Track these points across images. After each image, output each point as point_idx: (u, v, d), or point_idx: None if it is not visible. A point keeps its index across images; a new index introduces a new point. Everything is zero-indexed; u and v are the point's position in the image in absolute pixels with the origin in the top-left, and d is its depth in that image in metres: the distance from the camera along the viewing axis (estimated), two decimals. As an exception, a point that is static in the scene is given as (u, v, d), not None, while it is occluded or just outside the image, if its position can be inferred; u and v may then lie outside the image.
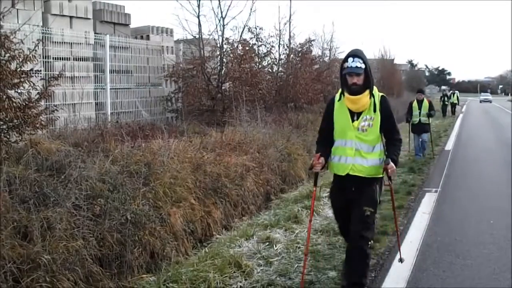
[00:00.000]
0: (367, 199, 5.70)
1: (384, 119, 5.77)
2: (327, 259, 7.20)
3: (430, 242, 7.91)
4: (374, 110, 5.72)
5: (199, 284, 6.08)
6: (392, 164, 5.66)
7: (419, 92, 18.02)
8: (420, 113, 17.00)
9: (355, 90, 5.65)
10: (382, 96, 5.87)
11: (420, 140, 17.23)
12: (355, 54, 5.65)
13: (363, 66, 5.60)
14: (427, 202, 10.44)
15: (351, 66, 5.59)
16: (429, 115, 16.96)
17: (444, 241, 7.96)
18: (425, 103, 17.10)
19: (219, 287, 6.10)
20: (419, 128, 17.13)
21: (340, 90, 5.91)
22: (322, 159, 5.76)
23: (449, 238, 8.10)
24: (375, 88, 5.84)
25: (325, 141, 6.01)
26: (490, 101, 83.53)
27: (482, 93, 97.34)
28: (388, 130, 5.88)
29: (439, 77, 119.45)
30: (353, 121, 5.73)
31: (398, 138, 5.94)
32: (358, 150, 5.73)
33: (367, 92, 5.69)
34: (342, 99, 5.83)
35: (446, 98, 41.68)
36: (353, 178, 5.75)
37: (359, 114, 5.74)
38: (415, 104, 17.22)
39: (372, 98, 5.74)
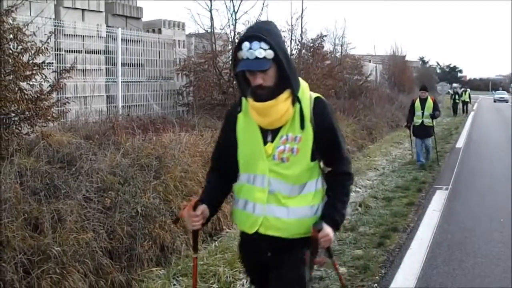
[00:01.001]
0: (288, 279, 3.45)
1: (320, 138, 3.38)
2: (337, 255, 7.17)
3: (441, 239, 7.88)
4: (302, 125, 3.34)
5: (209, 278, 6.08)
6: (327, 230, 3.35)
7: (423, 89, 15.43)
8: (423, 113, 14.75)
9: (262, 96, 3.29)
10: (316, 99, 3.45)
11: (423, 145, 15.06)
12: (253, 35, 3.23)
13: (269, 53, 3.21)
14: (438, 200, 10.40)
15: (248, 58, 3.24)
16: (432, 116, 14.73)
17: (455, 238, 7.93)
18: (429, 102, 14.84)
19: (229, 281, 6.10)
20: (422, 131, 14.86)
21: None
22: (202, 209, 3.48)
23: (460, 236, 8.07)
24: (303, 86, 3.46)
25: (219, 177, 3.70)
26: (506, 101, 72.27)
27: (497, 91, 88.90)
28: (329, 156, 3.52)
29: (451, 74, 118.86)
30: (265, 144, 3.39)
31: (347, 171, 3.57)
32: (273, 193, 3.39)
33: (286, 95, 3.31)
34: (247, 109, 3.46)
35: (457, 96, 40.11)
36: (267, 239, 3.45)
37: (275, 132, 3.38)
38: (417, 103, 14.95)
39: (298, 105, 3.36)
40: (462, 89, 45.66)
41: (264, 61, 3.21)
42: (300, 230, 3.41)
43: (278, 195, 3.38)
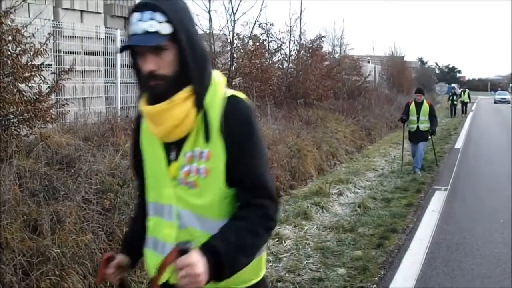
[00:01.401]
0: None
1: (234, 154, 2.33)
2: (336, 256, 7.19)
3: (440, 240, 7.89)
4: (207, 137, 2.33)
5: None
6: (193, 260, 2.10)
7: (418, 92, 14.51)
8: (418, 118, 13.87)
9: (156, 89, 2.33)
10: (230, 98, 2.44)
11: (419, 149, 13.94)
12: (146, 3, 2.30)
13: (165, 28, 2.25)
14: (437, 200, 10.41)
15: (136, 34, 2.32)
16: (431, 132, 14.04)
17: (454, 239, 7.94)
18: (425, 106, 13.94)
19: (228, 283, 6.09)
20: (418, 137, 13.97)
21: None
22: (117, 262, 2.65)
23: (459, 236, 8.08)
24: (216, 82, 2.47)
25: (142, 206, 2.67)
26: (508, 102, 66.78)
27: (498, 92, 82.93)
28: (240, 181, 2.35)
29: (449, 75, 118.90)
30: (169, 163, 2.42)
31: (263, 203, 2.35)
32: (185, 229, 2.40)
33: (185, 93, 2.31)
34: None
35: (455, 97, 38.64)
36: None
37: (179, 147, 2.38)
38: (412, 107, 14.01)
39: (202, 110, 2.34)
40: (461, 89, 44.41)
41: (156, 36, 2.25)
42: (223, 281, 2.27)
43: (191, 231, 2.37)
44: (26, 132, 7.68)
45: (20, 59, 7.36)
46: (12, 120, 7.48)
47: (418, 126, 13.92)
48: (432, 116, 13.96)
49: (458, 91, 43.21)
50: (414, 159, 14.17)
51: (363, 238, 7.99)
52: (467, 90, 42.65)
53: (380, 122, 23.20)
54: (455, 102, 38.45)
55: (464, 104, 40.44)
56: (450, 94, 39.95)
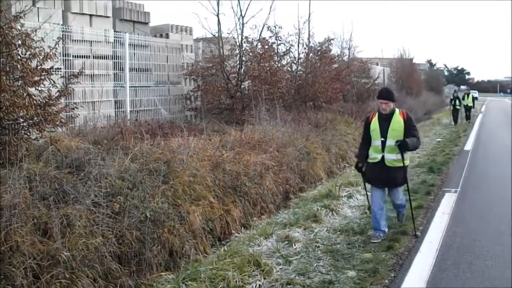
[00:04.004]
0: None
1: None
2: (347, 258, 7.18)
3: (450, 242, 7.85)
4: None
5: (218, 282, 6.08)
6: None
7: (383, 97, 8.20)
8: (384, 143, 8.07)
9: None
10: None
11: (391, 200, 8.69)
12: None
13: None
14: (447, 203, 10.35)
15: None
16: (402, 147, 7.94)
17: (464, 241, 7.89)
18: (396, 120, 8.11)
19: (238, 285, 6.10)
20: (383, 175, 8.16)
21: None
22: None
23: (469, 239, 8.03)
24: None
25: None
26: None
27: None
28: None
29: (458, 76, 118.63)
30: None
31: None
32: None
33: None
34: None
35: (457, 102, 32.02)
36: None
37: None
38: (374, 124, 8.24)
39: None
40: (464, 91, 36.73)
41: None
42: None
43: None
44: (36, 135, 7.72)
45: (29, 63, 7.40)
46: (22, 124, 7.51)
47: (383, 158, 8.11)
48: (409, 134, 8.05)
49: (461, 94, 35.62)
50: (376, 218, 8.24)
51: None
52: (472, 93, 36.14)
53: (389, 125, 23.09)
54: (457, 107, 32.15)
55: (468, 109, 34.00)
56: (452, 98, 33.10)
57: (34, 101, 7.41)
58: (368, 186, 8.79)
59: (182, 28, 17.03)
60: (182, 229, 7.28)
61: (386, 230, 8.28)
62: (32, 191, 6.26)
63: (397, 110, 8.23)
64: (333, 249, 7.56)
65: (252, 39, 16.76)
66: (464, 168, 14.62)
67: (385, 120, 8.13)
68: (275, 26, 18.27)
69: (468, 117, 34.16)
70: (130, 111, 13.08)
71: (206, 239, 7.77)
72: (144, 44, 14.28)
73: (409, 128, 8.11)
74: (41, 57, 7.60)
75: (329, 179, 12.97)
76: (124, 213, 6.64)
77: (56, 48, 8.00)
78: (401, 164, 8.12)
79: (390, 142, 8.03)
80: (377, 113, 8.31)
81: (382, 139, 8.09)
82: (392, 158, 8.10)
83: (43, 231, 5.80)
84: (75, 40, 11.78)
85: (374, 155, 8.24)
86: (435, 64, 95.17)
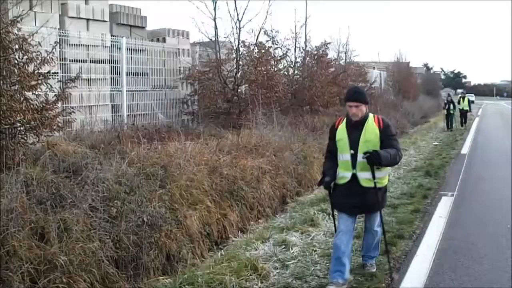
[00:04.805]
0: None
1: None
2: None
3: (447, 246, 7.85)
4: None
5: (215, 286, 6.07)
6: None
7: (352, 99, 6.25)
8: (355, 158, 6.19)
9: None
10: None
11: (365, 226, 6.96)
12: None
13: None
14: (444, 206, 10.36)
15: None
16: (372, 161, 5.99)
17: (461, 245, 7.90)
18: (370, 128, 6.26)
19: (235, 289, 6.10)
20: (357, 199, 6.25)
21: None
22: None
23: (466, 242, 8.04)
24: None
25: None
26: None
27: None
28: None
29: (455, 80, 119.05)
30: None
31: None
32: None
33: None
34: None
35: (451, 106, 30.28)
36: None
37: None
38: (341, 131, 6.39)
39: None
40: (460, 95, 35.80)
41: None
42: None
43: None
44: (33, 140, 7.73)
45: (26, 68, 7.41)
46: (19, 128, 7.52)
47: (354, 176, 6.24)
48: (388, 144, 6.19)
49: (455, 98, 34.31)
50: (338, 258, 6.20)
51: (370, 245, 7.97)
52: (467, 96, 34.88)
53: (386, 128, 23.10)
54: (451, 112, 30.38)
55: (463, 113, 32.60)
56: (445, 102, 31.31)
57: (31, 106, 7.41)
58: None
59: (179, 32, 17.04)
60: (179, 233, 7.28)
61: (349, 276, 6.22)
62: (29, 195, 6.26)
63: (371, 115, 6.34)
64: (330, 253, 7.53)
65: (249, 43, 16.82)
66: (461, 172, 14.63)
67: (356, 128, 6.21)
68: (272, 30, 18.36)
69: (463, 122, 32.55)
70: (127, 115, 13.09)
71: (203, 243, 7.77)
72: (141, 48, 14.30)
73: (387, 138, 6.21)
74: (38, 62, 7.61)
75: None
76: (121, 217, 6.64)
77: (53, 53, 8.02)
78: (381, 185, 6.31)
79: (361, 159, 6.14)
80: (345, 119, 6.41)
81: (352, 151, 6.18)
82: (366, 177, 6.17)
83: (40, 235, 5.80)
84: (72, 45, 11.79)
85: (342, 174, 6.29)
86: (431, 68, 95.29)
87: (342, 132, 6.32)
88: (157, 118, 14.05)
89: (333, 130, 6.50)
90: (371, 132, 6.18)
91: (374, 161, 5.96)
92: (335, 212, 6.83)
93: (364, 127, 6.21)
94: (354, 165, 6.18)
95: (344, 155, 6.27)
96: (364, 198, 6.21)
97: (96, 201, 6.63)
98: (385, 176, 6.48)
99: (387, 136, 6.22)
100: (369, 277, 6.59)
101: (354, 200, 6.21)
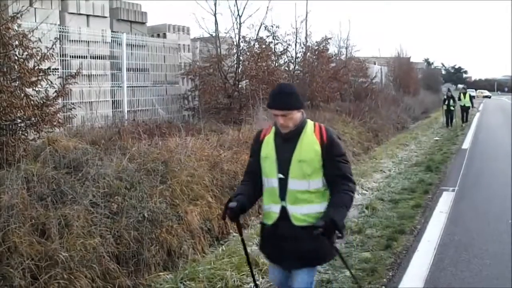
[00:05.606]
0: None
1: None
2: (344, 257, 7.16)
3: (448, 241, 7.86)
4: None
5: (216, 282, 6.08)
6: None
7: (277, 106, 4.19)
8: (285, 184, 4.20)
9: None
10: None
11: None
12: None
13: None
14: (445, 201, 10.36)
15: None
16: (326, 232, 3.97)
17: (462, 240, 7.91)
18: (306, 143, 4.21)
19: (236, 285, 6.11)
20: (289, 243, 4.20)
21: None
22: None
23: (467, 237, 8.05)
24: None
25: None
26: None
27: None
28: None
29: (456, 75, 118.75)
30: None
31: None
32: None
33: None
34: None
35: (451, 102, 28.35)
36: None
37: None
38: (268, 144, 4.35)
39: None
40: (461, 90, 32.47)
41: None
42: None
43: None
44: (34, 136, 7.71)
45: (27, 64, 7.39)
46: (19, 125, 7.51)
47: (284, 212, 4.23)
48: (333, 173, 4.21)
49: (456, 93, 32.08)
50: None
51: (371, 240, 7.97)
52: (468, 91, 32.22)
53: (386, 124, 23.14)
54: (451, 108, 28.57)
55: (464, 110, 30.16)
56: (445, 97, 29.46)
57: (32, 102, 7.40)
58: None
59: (179, 28, 17.00)
60: (180, 229, 7.28)
61: None
62: (30, 191, 6.26)
63: (309, 123, 4.33)
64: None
65: (250, 38, 16.76)
66: (462, 167, 14.63)
67: (287, 142, 4.26)
68: (272, 26, 18.28)
69: (465, 119, 30.28)
70: (127, 111, 13.07)
71: (204, 239, 7.76)
72: (142, 44, 14.27)
73: (332, 160, 4.19)
74: (38, 58, 7.59)
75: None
76: (122, 213, 6.64)
77: (53, 49, 8.00)
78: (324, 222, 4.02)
79: (296, 183, 4.20)
80: (273, 128, 4.41)
81: (281, 175, 4.22)
82: (301, 211, 4.18)
83: (41, 231, 5.80)
84: (72, 41, 11.77)
85: (268, 208, 4.36)
86: (432, 63, 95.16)
87: (268, 147, 4.36)
88: (157, 114, 14.02)
89: (256, 143, 4.51)
90: (308, 149, 4.19)
91: (332, 232, 4.03)
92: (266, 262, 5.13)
93: (298, 141, 4.23)
94: (283, 195, 4.21)
95: (270, 180, 4.30)
96: (297, 242, 4.16)
97: (97, 197, 6.64)
98: (317, 209, 4.23)
99: (332, 157, 4.19)
100: (370, 272, 6.60)
101: (285, 244, 4.23)
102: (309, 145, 4.17)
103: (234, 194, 4.44)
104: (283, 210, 4.19)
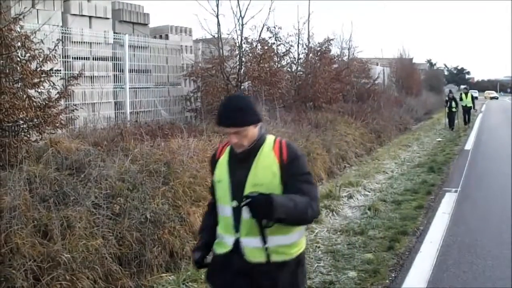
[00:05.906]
0: None
1: None
2: (347, 259, 7.18)
3: (451, 242, 7.85)
4: None
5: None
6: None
7: (227, 123, 3.49)
8: (238, 214, 3.42)
9: None
10: None
11: None
12: None
13: None
14: (447, 202, 10.36)
15: None
16: (254, 207, 3.16)
17: (465, 241, 7.90)
18: (263, 162, 3.47)
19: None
20: (242, 281, 3.45)
21: None
22: None
23: (470, 238, 8.04)
24: None
25: None
26: None
27: None
28: None
29: (458, 76, 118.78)
30: None
31: None
32: None
33: None
34: None
35: (453, 103, 27.87)
36: None
37: None
38: (222, 166, 3.65)
39: None
40: (463, 91, 32.51)
41: None
42: None
43: None
44: (36, 137, 7.72)
45: (29, 65, 7.40)
46: (22, 126, 7.51)
47: (238, 245, 3.46)
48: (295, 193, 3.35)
49: (458, 94, 31.83)
50: None
51: (373, 241, 7.97)
52: (470, 92, 31.44)
53: (389, 125, 23.12)
54: (453, 110, 27.98)
55: (466, 110, 29.61)
56: (447, 99, 28.89)
57: (34, 103, 7.41)
58: None
59: (181, 29, 17.01)
60: (183, 230, 7.27)
61: None
62: (32, 193, 6.26)
63: (269, 138, 3.67)
64: (334, 250, 7.56)
65: (252, 39, 16.77)
66: (464, 168, 14.61)
67: (241, 163, 3.54)
68: (274, 27, 18.28)
69: (467, 121, 29.84)
70: (130, 112, 13.06)
71: (207, 240, 7.75)
72: (144, 45, 14.27)
73: (293, 179, 3.43)
74: (40, 59, 7.59)
75: (329, 180, 12.97)
76: (125, 214, 6.64)
77: (55, 50, 8.00)
78: (282, 257, 3.45)
79: (247, 220, 3.41)
80: (228, 148, 3.71)
81: (234, 203, 3.48)
82: (255, 245, 3.40)
83: (43, 233, 5.80)
84: (74, 42, 11.77)
85: (221, 237, 3.62)
86: (435, 64, 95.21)
87: (221, 169, 3.66)
88: (160, 115, 14.03)
89: (212, 163, 3.84)
90: (265, 170, 3.46)
91: (261, 211, 3.19)
92: None
93: (254, 161, 3.50)
94: (237, 226, 3.48)
95: (224, 208, 3.57)
96: (252, 281, 3.45)
97: (99, 198, 6.64)
98: (294, 242, 3.53)
99: (293, 176, 3.43)
100: (373, 273, 6.59)
101: (239, 282, 3.48)
102: (266, 166, 3.46)
103: (202, 228, 3.92)
104: (237, 244, 3.46)
